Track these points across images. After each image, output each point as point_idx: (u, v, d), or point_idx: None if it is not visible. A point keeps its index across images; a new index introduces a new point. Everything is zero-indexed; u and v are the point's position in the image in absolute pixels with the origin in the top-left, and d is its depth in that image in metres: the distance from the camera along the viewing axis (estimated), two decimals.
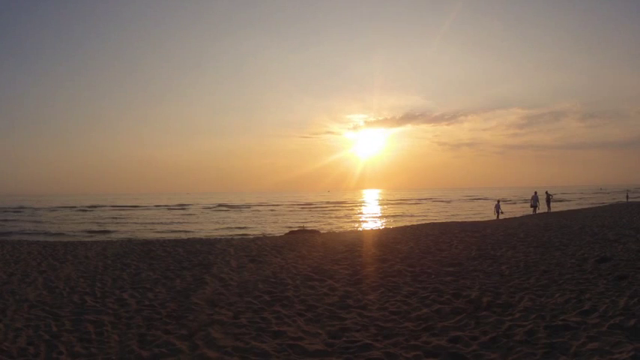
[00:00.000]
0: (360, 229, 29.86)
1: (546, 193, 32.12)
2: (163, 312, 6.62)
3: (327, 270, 9.48)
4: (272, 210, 63.47)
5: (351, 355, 4.73)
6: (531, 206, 30.79)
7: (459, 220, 28.59)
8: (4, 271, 10.33)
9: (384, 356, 4.66)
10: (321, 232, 22.17)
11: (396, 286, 7.79)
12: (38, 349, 5.16)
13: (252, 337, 5.36)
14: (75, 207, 75.42)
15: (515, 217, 27.37)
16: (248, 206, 74.55)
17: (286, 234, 21.03)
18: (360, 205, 76.26)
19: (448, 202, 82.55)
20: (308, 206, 72.45)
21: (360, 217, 47.32)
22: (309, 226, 30.65)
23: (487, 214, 42.04)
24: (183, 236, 23.90)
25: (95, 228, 36.23)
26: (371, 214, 51.92)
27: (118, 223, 42.48)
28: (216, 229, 33.87)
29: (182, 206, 75.67)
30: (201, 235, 27.74)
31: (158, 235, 27.74)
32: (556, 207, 36.24)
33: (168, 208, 70.24)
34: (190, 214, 55.40)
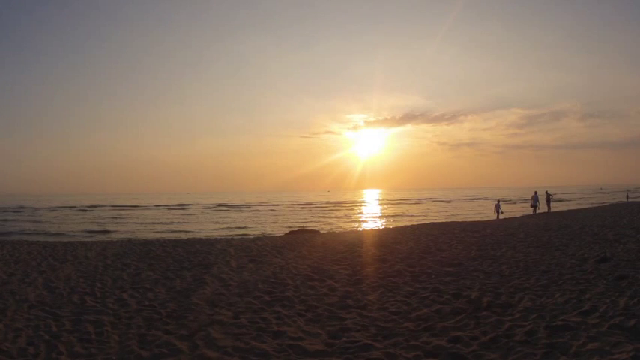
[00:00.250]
0: (360, 229, 29.86)
1: (546, 193, 32.11)
2: (163, 312, 6.62)
3: (327, 270, 9.48)
4: (272, 210, 63.45)
5: (351, 355, 4.73)
6: (531, 206, 30.80)
7: (459, 220, 28.59)
8: (4, 271, 10.33)
9: (384, 356, 4.65)
10: (321, 232, 22.17)
11: (396, 286, 7.79)
12: (38, 349, 5.16)
13: (252, 337, 5.36)
14: (75, 207, 75.41)
15: (515, 217, 27.37)
16: (248, 206, 74.54)
17: (286, 234, 21.04)
18: (360, 205, 76.26)
19: (448, 202, 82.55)
20: (308, 206, 72.44)
21: (360, 217, 47.32)
22: (309, 226, 30.66)
23: (487, 214, 42.04)
24: (183, 236, 23.90)
25: (95, 228, 36.23)
26: (371, 214, 51.91)
27: (118, 223, 42.46)
28: (216, 229, 33.85)
29: (182, 206, 75.65)
30: (201, 235, 27.74)
31: (158, 235, 27.74)
32: (556, 207, 36.27)
33: (169, 208, 70.22)
34: (190, 214, 55.38)
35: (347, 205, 77.35)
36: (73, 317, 6.45)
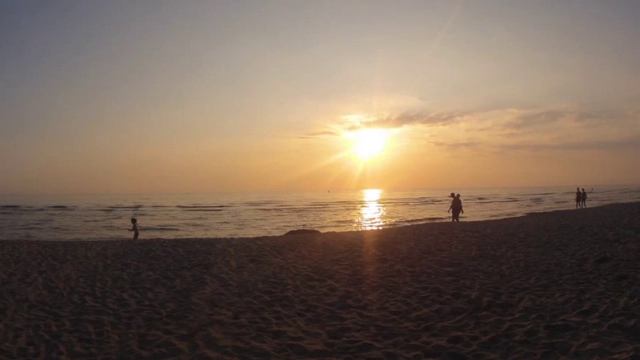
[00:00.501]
0: (360, 229, 29.86)
1: (582, 190, 36.24)
2: (163, 312, 6.62)
3: (327, 270, 9.48)
4: (272, 210, 63.43)
5: (351, 355, 4.73)
6: (577, 200, 35.93)
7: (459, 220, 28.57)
8: (4, 271, 10.33)
9: (384, 356, 4.65)
10: (321, 232, 22.17)
11: (396, 286, 7.79)
12: (38, 349, 5.15)
13: (252, 337, 5.36)
14: (75, 207, 75.38)
15: (515, 217, 27.37)
16: (248, 206, 74.51)
17: (286, 234, 21.04)
18: (360, 205, 76.24)
19: (447, 202, 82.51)
20: (308, 206, 72.42)
21: (360, 217, 47.32)
22: (309, 226, 30.66)
23: (487, 214, 42.04)
24: (183, 236, 23.89)
25: (95, 228, 36.19)
26: (371, 214, 51.91)
27: (117, 223, 42.39)
28: (216, 229, 33.83)
29: (181, 207, 75.62)
30: (201, 235, 27.74)
31: (158, 235, 27.74)
32: (555, 207, 37.00)
33: (170, 207, 70.18)
34: (191, 214, 55.34)
35: (347, 205, 77.34)
36: (73, 317, 6.45)
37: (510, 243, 12.48)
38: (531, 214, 28.72)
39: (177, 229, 33.95)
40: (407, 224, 26.00)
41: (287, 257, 11.45)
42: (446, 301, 6.59)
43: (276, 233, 24.95)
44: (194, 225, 38.12)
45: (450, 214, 23.97)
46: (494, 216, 38.08)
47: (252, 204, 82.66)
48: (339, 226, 34.71)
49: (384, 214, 51.60)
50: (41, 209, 68.76)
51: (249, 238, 17.89)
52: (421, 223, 26.11)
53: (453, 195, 24.05)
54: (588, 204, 38.03)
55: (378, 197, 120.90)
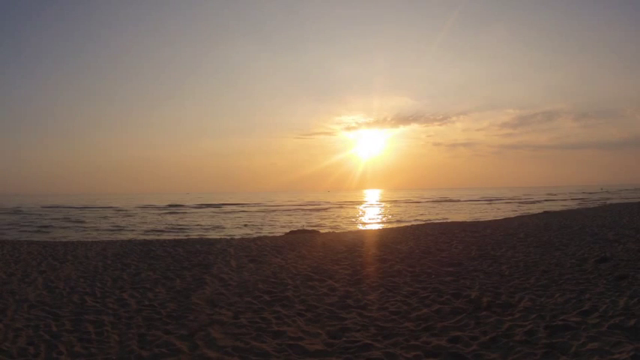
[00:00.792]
0: (360, 229, 29.86)
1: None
2: (163, 312, 6.62)
3: (327, 270, 9.48)
4: (272, 210, 63.43)
5: (351, 355, 4.73)
6: None
7: (459, 220, 28.58)
8: (4, 271, 10.33)
9: (384, 356, 4.65)
10: (321, 232, 22.17)
11: (396, 286, 7.79)
12: (38, 349, 5.16)
13: (252, 337, 5.36)
14: (75, 207, 75.40)
15: (515, 217, 27.37)
16: (249, 206, 74.52)
17: (286, 234, 21.03)
18: (360, 205, 76.24)
19: (447, 202, 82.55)
20: (308, 206, 72.42)
21: (360, 217, 47.31)
22: (309, 226, 30.65)
23: (487, 214, 42.05)
24: (183, 236, 23.89)
25: (94, 228, 36.17)
26: (371, 214, 51.90)
27: (118, 223, 42.37)
28: (216, 229, 33.82)
29: (179, 207, 75.64)
30: (201, 235, 27.71)
31: (158, 235, 27.72)
32: (552, 207, 36.74)
33: (170, 206, 70.18)
34: (191, 215, 55.33)
35: (347, 205, 77.33)
36: (73, 317, 6.45)
37: (510, 243, 12.48)
38: (531, 215, 28.68)
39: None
40: (407, 224, 26.01)
41: (287, 257, 11.45)
42: (446, 301, 6.59)
43: (276, 233, 24.95)
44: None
45: None
46: (494, 216, 38.09)
47: (251, 204, 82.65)
48: (339, 226, 34.71)
49: (384, 214, 51.60)
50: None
51: (249, 238, 17.89)
52: (421, 223, 26.11)
53: None
54: (591, 204, 38.36)
55: (378, 197, 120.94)
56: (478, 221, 25.24)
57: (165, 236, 24.60)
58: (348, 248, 12.65)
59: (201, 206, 75.03)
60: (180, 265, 10.67)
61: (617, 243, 11.41)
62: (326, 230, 25.44)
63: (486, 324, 5.46)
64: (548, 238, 13.09)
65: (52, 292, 8.10)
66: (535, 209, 44.01)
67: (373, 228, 29.43)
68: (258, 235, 24.17)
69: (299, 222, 38.22)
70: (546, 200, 67.52)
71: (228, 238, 19.65)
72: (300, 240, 15.62)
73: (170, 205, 78.42)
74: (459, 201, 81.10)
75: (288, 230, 24.54)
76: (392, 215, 46.38)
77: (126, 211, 63.37)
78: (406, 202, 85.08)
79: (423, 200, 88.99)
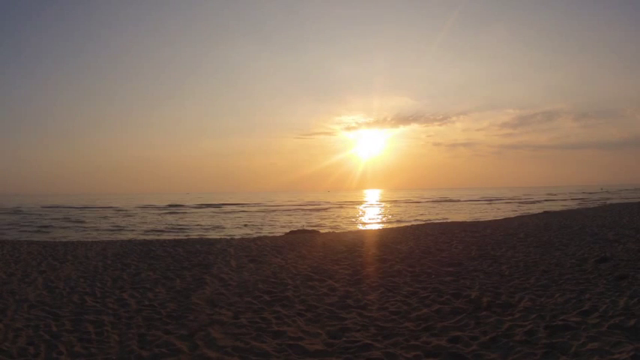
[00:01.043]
0: (360, 229, 29.86)
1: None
2: (163, 312, 6.62)
3: (327, 270, 9.48)
4: (272, 210, 63.44)
5: (351, 355, 4.73)
6: None
7: (459, 220, 28.59)
8: (4, 271, 10.33)
9: (384, 356, 4.65)
10: (321, 232, 22.17)
11: (396, 286, 7.79)
12: (38, 349, 5.16)
13: (252, 337, 5.36)
14: (75, 207, 75.41)
15: (515, 217, 27.38)
16: (249, 206, 74.53)
17: (286, 234, 21.04)
18: (360, 205, 76.24)
19: (447, 202, 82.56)
20: (308, 206, 72.43)
21: (360, 217, 47.31)
22: (309, 226, 30.65)
23: (487, 214, 42.06)
24: (183, 236, 23.90)
25: (94, 228, 36.17)
26: (371, 214, 51.91)
27: (118, 223, 42.36)
28: (216, 229, 33.84)
29: (179, 207, 75.66)
30: (201, 235, 27.71)
31: (158, 235, 27.73)
32: (552, 207, 36.73)
33: (170, 206, 70.20)
34: (191, 215, 55.34)
35: (347, 205, 77.33)
36: (73, 317, 6.45)
37: (510, 243, 12.48)
38: (531, 215, 28.68)
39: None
40: (407, 224, 26.01)
41: (287, 257, 11.45)
42: (446, 301, 6.59)
43: (276, 233, 24.95)
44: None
45: None
46: (494, 216, 38.09)
47: (251, 204, 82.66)
48: (339, 226, 34.71)
49: (384, 214, 51.60)
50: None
51: (249, 238, 17.89)
52: (421, 223, 26.12)
53: None
54: (591, 204, 38.38)
55: (378, 197, 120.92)
56: (478, 221, 25.24)
57: (165, 236, 24.60)
58: (348, 248, 12.65)
59: (201, 206, 75.05)
60: (180, 265, 10.67)
61: (617, 243, 11.41)
62: (326, 230, 25.44)
63: (486, 324, 5.46)
64: (548, 238, 13.09)
65: (52, 292, 8.10)
66: (535, 209, 43.99)
67: (373, 228, 29.43)
68: (258, 235, 24.17)
69: (299, 222, 38.21)
70: (546, 200, 67.54)
71: (228, 238, 19.65)
72: (300, 240, 15.62)
73: (170, 205, 78.45)
74: (459, 201, 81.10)
75: (288, 230, 24.54)
76: (392, 215, 46.38)
77: (126, 211, 63.41)
78: (406, 202, 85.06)
79: (423, 200, 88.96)
